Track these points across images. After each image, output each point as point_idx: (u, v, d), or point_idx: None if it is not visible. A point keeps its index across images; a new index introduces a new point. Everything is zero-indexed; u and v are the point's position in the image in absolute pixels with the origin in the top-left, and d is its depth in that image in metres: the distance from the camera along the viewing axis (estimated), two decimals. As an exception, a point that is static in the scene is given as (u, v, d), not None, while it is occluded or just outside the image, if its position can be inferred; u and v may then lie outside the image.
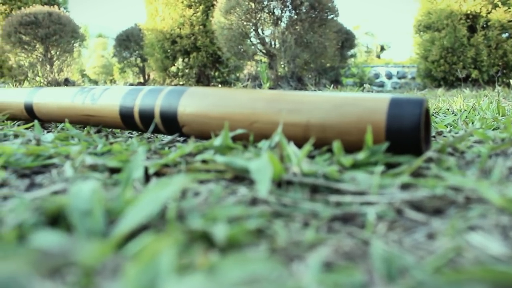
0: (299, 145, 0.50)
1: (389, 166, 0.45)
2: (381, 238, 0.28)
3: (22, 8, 5.24)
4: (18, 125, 0.92)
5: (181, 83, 5.49)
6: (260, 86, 3.98)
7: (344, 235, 0.28)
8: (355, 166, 0.44)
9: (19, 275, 0.20)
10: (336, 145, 0.45)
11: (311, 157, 0.49)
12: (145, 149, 0.39)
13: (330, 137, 0.50)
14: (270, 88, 3.04)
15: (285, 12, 4.06)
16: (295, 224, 0.30)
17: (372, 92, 3.29)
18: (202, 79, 5.49)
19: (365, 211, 0.32)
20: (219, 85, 5.42)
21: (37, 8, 4.96)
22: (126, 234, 0.25)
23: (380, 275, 0.22)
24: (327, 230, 0.30)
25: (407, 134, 0.46)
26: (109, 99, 0.72)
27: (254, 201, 0.34)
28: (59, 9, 5.38)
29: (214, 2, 4.68)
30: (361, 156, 0.44)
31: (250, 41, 4.22)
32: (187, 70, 5.42)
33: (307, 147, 0.43)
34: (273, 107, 0.53)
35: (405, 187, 0.39)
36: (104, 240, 0.25)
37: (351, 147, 0.49)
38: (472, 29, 5.19)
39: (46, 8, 5.00)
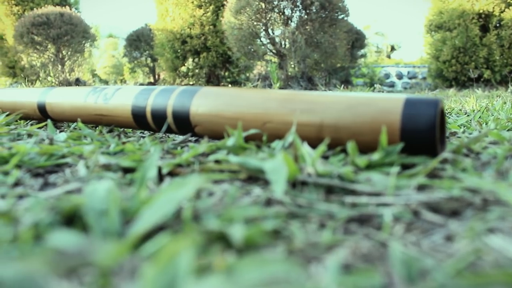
0: (313, 145, 0.50)
1: (404, 167, 0.45)
2: (399, 240, 0.27)
3: (35, 9, 5.28)
4: (31, 125, 0.93)
5: (191, 83, 5.51)
6: (270, 86, 3.98)
7: (361, 237, 0.28)
8: (370, 166, 0.43)
9: (36, 275, 0.20)
10: (351, 145, 0.45)
11: (324, 157, 0.49)
12: (159, 149, 0.39)
13: (344, 138, 0.49)
14: (280, 88, 3.03)
15: (295, 12, 4.05)
16: (311, 225, 0.30)
17: (383, 92, 3.27)
18: (212, 79, 5.50)
19: (381, 212, 0.32)
20: (229, 85, 5.42)
21: (49, 8, 5.00)
22: (142, 235, 0.25)
23: (400, 277, 0.22)
24: (343, 231, 0.29)
25: (422, 135, 0.46)
26: (122, 98, 0.72)
27: (268, 202, 0.34)
28: (70, 9, 5.42)
29: (224, 2, 4.68)
30: (375, 156, 0.44)
31: (260, 41, 4.22)
32: (197, 70, 5.43)
33: (322, 147, 0.43)
34: (286, 107, 0.53)
35: (421, 188, 0.38)
36: (120, 240, 0.25)
37: (365, 148, 0.48)
38: (484, 29, 5.14)
39: (58, 8, 5.04)
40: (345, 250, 0.25)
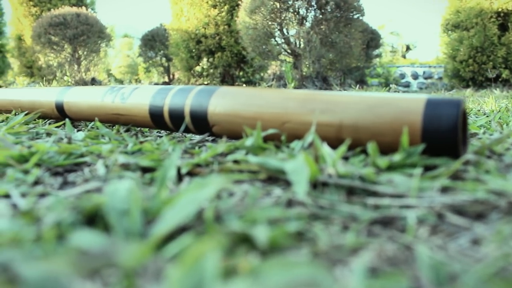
0: (332, 145, 0.49)
1: (426, 168, 0.44)
2: (424, 243, 0.27)
3: (52, 9, 5.34)
4: (49, 124, 0.93)
5: (205, 82, 5.52)
6: (284, 86, 3.97)
7: (385, 239, 0.28)
8: (391, 168, 0.43)
9: (60, 275, 0.19)
10: (371, 146, 0.44)
11: (344, 158, 0.49)
12: (179, 149, 0.39)
13: (364, 138, 0.49)
14: (294, 88, 3.03)
15: (310, 12, 4.04)
16: (334, 227, 0.29)
17: (399, 92, 3.24)
18: (227, 79, 5.50)
19: (404, 214, 0.31)
20: (243, 85, 5.43)
21: (66, 9, 5.05)
22: (165, 235, 0.24)
23: (428, 282, 0.21)
24: (367, 233, 0.29)
25: (444, 135, 0.45)
26: (139, 98, 0.72)
27: (289, 203, 0.34)
28: (86, 10, 5.46)
29: (239, 2, 4.68)
30: (397, 157, 0.43)
31: (275, 40, 4.21)
32: (211, 70, 5.44)
33: (342, 148, 0.42)
34: (305, 107, 0.53)
35: (444, 190, 0.38)
36: (142, 240, 0.25)
37: (385, 148, 0.48)
38: (503, 28, 5.05)
39: (75, 9, 5.09)
40: (370, 253, 0.25)
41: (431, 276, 0.22)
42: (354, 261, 0.23)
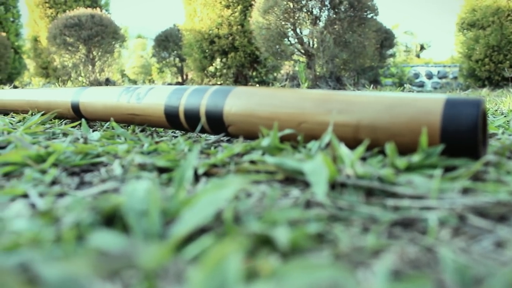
0: (349, 146, 0.49)
1: (445, 169, 0.43)
2: (447, 246, 0.26)
3: (67, 11, 5.40)
4: (65, 124, 0.94)
5: (218, 83, 5.53)
6: (298, 86, 3.96)
7: (406, 242, 0.27)
8: (410, 168, 0.42)
9: (80, 276, 0.19)
10: (390, 146, 0.44)
11: (362, 158, 0.48)
12: (198, 149, 0.38)
13: (381, 138, 0.48)
14: (308, 88, 3.02)
15: (324, 12, 4.02)
16: (354, 228, 0.29)
17: (413, 92, 3.21)
18: (240, 79, 5.50)
19: (425, 216, 0.31)
20: (257, 85, 5.42)
21: (81, 10, 5.09)
22: (184, 237, 0.24)
23: (453, 285, 0.21)
24: (387, 235, 0.28)
25: (464, 136, 0.44)
26: (154, 98, 0.72)
27: (308, 204, 0.34)
28: (101, 11, 5.51)
29: (252, 2, 4.67)
30: (415, 158, 0.42)
31: (288, 40, 4.20)
32: (225, 70, 5.45)
33: (361, 148, 0.42)
34: (322, 107, 0.52)
35: (464, 191, 0.37)
36: (161, 242, 0.25)
37: (403, 149, 0.47)
38: (521, 26, 4.97)
39: (89, 10, 5.13)
40: (392, 256, 0.24)
41: (456, 280, 0.21)
42: (376, 263, 0.23)
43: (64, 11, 6.04)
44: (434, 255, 0.25)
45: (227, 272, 0.18)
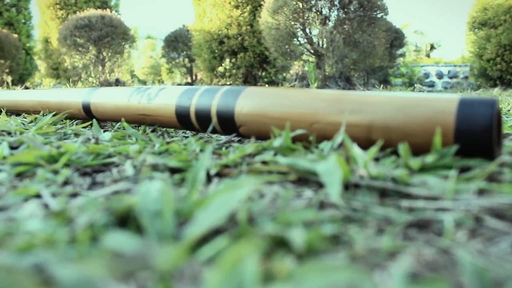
0: (361, 146, 0.48)
1: (460, 170, 0.43)
2: (463, 248, 0.26)
3: (77, 12, 5.43)
4: (76, 124, 0.95)
5: (228, 83, 5.53)
6: (307, 86, 3.95)
7: (422, 243, 0.27)
8: (423, 169, 0.42)
9: (95, 278, 0.19)
10: (403, 147, 0.43)
11: (374, 159, 0.48)
12: (210, 150, 0.38)
13: (394, 139, 0.48)
14: (317, 88, 3.00)
15: (333, 11, 4.00)
16: (369, 230, 0.29)
17: (423, 92, 3.19)
18: (249, 79, 5.50)
19: (441, 218, 0.30)
20: (266, 85, 5.42)
21: (91, 12, 5.12)
22: (199, 238, 0.24)
23: (472, 289, 0.20)
24: (403, 237, 0.28)
25: (478, 136, 0.43)
26: (165, 98, 0.72)
27: (321, 205, 0.33)
28: (111, 12, 5.54)
29: (262, 2, 4.67)
30: (429, 159, 0.42)
31: (298, 40, 4.19)
32: (234, 71, 5.45)
33: (374, 149, 0.41)
34: (334, 107, 0.52)
35: (479, 192, 0.36)
36: (175, 243, 0.24)
37: (416, 149, 0.47)
38: (534, 25, 4.92)
39: (99, 11, 5.16)
40: (409, 257, 0.24)
41: (475, 283, 0.21)
42: (393, 265, 0.23)
43: (75, 12, 6.08)
44: (451, 257, 0.25)
45: (244, 274, 0.17)
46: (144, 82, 9.92)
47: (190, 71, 6.97)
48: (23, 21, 7.17)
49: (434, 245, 0.26)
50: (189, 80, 7.02)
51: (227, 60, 5.49)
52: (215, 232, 0.26)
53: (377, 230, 0.29)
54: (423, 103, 0.47)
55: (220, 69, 5.59)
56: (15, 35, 6.13)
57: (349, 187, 0.36)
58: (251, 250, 0.19)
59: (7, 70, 5.76)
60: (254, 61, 5.32)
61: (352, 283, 0.19)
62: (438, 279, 0.21)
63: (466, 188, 0.36)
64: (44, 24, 6.82)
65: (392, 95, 0.51)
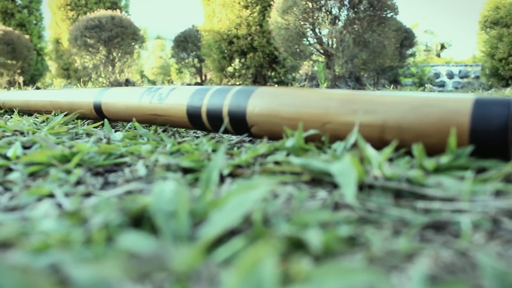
0: (374, 147, 0.48)
1: (475, 171, 0.42)
2: (482, 250, 0.25)
3: (88, 13, 5.46)
4: (88, 124, 0.95)
5: (237, 83, 5.53)
6: (317, 86, 3.93)
7: (439, 245, 0.26)
8: (438, 170, 0.41)
9: (111, 279, 0.19)
10: (418, 147, 0.43)
11: (388, 160, 0.47)
12: (223, 150, 0.38)
13: (408, 139, 0.47)
14: (327, 88, 2.99)
15: (343, 11, 3.99)
16: (385, 231, 0.28)
17: (434, 92, 3.16)
18: (259, 80, 5.50)
19: (457, 219, 0.30)
20: (276, 85, 5.41)
21: (101, 12, 5.15)
22: (214, 239, 0.24)
23: (493, 292, 0.20)
24: (419, 238, 0.28)
25: (494, 136, 0.43)
26: (177, 98, 0.72)
27: (336, 206, 0.33)
28: (121, 12, 5.57)
29: (271, 2, 4.66)
30: (444, 159, 0.41)
31: (307, 40, 4.17)
32: (243, 71, 5.45)
33: (388, 149, 0.41)
34: (347, 107, 0.52)
35: (496, 194, 0.36)
36: (191, 243, 0.24)
37: (430, 150, 0.46)
38: (547, 23, 4.86)
39: (109, 12, 5.18)
40: (427, 260, 0.23)
41: (496, 286, 0.20)
42: (411, 267, 0.22)
43: (85, 13, 6.12)
44: (469, 259, 0.24)
45: (262, 276, 0.17)
46: (153, 82, 9.96)
47: (199, 71, 6.98)
48: (34, 22, 7.23)
49: (452, 247, 0.26)
50: (198, 80, 7.03)
51: (237, 60, 5.49)
52: (230, 233, 0.26)
53: (393, 232, 0.28)
54: (436, 103, 0.47)
55: (230, 69, 5.60)
56: (27, 36, 6.19)
57: (363, 188, 0.36)
58: (269, 252, 0.18)
59: (19, 71, 5.81)
60: (264, 61, 5.32)
61: (371, 286, 0.19)
62: (458, 282, 0.21)
63: (483, 189, 0.35)
64: (55, 25, 6.87)
65: (404, 95, 0.50)
